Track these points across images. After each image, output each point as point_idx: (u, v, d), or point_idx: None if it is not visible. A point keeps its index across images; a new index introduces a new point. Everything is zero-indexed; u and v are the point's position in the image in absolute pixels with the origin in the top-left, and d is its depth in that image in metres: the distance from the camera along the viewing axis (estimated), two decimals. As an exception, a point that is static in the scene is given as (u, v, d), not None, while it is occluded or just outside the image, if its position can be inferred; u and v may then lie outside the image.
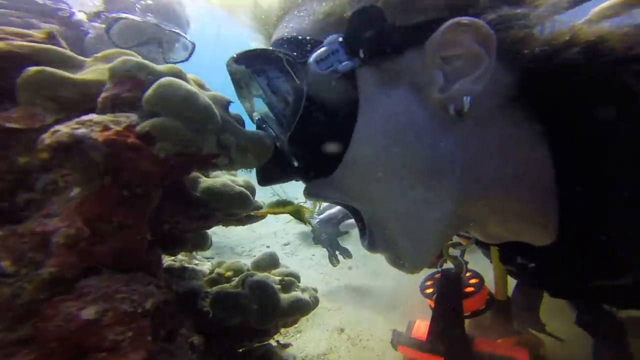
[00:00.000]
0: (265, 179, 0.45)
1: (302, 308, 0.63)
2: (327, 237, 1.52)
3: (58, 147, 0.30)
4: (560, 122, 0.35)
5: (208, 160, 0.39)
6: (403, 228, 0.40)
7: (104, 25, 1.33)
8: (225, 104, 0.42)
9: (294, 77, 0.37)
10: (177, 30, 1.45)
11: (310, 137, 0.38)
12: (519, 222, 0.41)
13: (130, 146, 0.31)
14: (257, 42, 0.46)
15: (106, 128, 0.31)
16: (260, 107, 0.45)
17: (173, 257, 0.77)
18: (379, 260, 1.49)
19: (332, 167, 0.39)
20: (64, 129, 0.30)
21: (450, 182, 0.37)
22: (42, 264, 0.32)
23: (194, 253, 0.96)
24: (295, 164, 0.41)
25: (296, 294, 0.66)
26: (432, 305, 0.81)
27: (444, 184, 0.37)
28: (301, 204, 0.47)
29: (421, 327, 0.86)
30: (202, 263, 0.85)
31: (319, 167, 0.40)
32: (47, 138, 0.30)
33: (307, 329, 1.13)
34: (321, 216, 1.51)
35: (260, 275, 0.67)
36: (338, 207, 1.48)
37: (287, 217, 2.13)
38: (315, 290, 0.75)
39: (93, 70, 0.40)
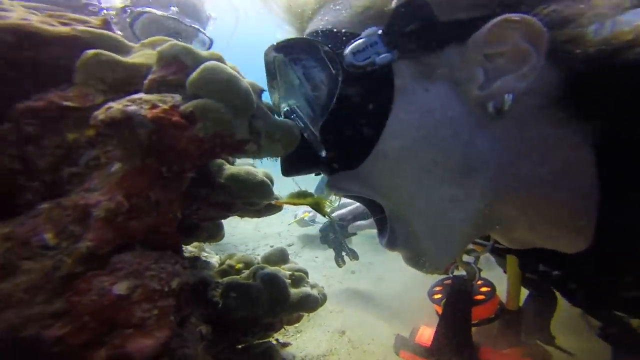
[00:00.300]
0: (290, 169, 0.45)
1: (310, 304, 0.64)
2: (335, 238, 1.52)
3: (110, 122, 0.31)
4: (610, 125, 0.35)
5: (240, 145, 0.40)
6: (427, 225, 0.40)
7: (129, 20, 1.37)
8: (258, 91, 0.43)
9: (330, 67, 0.38)
10: (196, 26, 1.48)
11: (342, 127, 0.39)
12: (551, 226, 0.40)
13: (174, 124, 0.32)
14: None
15: (154, 106, 0.32)
16: (291, 97, 0.46)
17: (184, 248, 0.78)
18: (384, 266, 1.49)
19: (361, 159, 0.39)
20: (116, 105, 0.32)
21: (482, 180, 0.37)
22: (81, 237, 0.33)
23: (203, 246, 0.97)
24: (324, 154, 0.41)
25: (305, 289, 0.66)
26: (439, 311, 0.80)
27: (475, 182, 0.37)
28: (321, 196, 0.47)
29: (425, 333, 0.86)
30: (211, 256, 0.86)
31: (347, 158, 0.41)
32: (100, 114, 0.32)
33: (308, 329, 1.13)
34: (330, 216, 1.51)
35: (271, 268, 0.67)
36: (348, 208, 1.48)
37: (287, 219, 2.12)
38: (323, 288, 0.75)
39: (140, 55, 0.42)
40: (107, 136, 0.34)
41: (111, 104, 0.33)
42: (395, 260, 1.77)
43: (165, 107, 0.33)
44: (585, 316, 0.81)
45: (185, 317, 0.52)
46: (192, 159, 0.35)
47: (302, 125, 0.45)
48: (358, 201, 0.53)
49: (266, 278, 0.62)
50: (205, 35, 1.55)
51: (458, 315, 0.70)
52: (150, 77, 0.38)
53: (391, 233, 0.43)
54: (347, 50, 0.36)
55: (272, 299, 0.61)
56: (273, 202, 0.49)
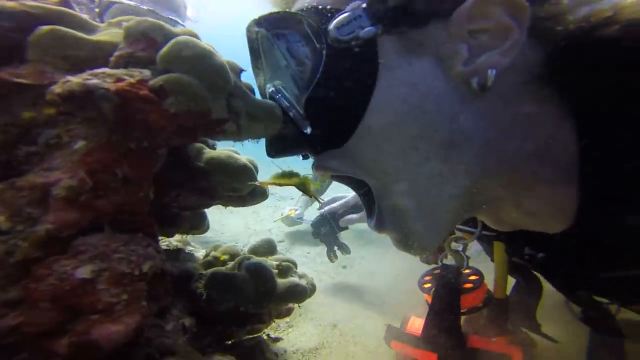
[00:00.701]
0: (275, 149, 0.44)
1: (299, 293, 0.62)
2: (327, 232, 1.51)
3: (68, 96, 0.29)
4: (590, 101, 0.35)
5: (217, 125, 0.38)
6: (415, 203, 0.39)
7: (97, 10, 1.31)
8: (237, 71, 0.41)
9: (314, 41, 0.37)
10: (173, 17, 1.44)
11: (326, 102, 0.38)
12: (536, 203, 0.40)
13: (142, 97, 0.30)
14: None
15: (119, 80, 0.30)
16: (276, 77, 0.45)
17: (167, 241, 0.75)
18: (375, 260, 1.48)
19: (347, 136, 0.38)
20: (75, 79, 0.29)
21: (467, 155, 0.37)
22: (39, 220, 0.30)
23: (188, 240, 0.94)
24: (308, 131, 0.40)
25: (293, 279, 0.65)
26: (429, 300, 0.80)
27: (460, 157, 0.37)
28: (307, 176, 0.46)
29: (416, 323, 0.86)
30: (196, 250, 0.83)
31: (332, 135, 0.40)
32: (57, 88, 0.29)
33: (299, 323, 1.12)
34: (321, 210, 1.50)
35: (257, 259, 0.65)
36: (339, 202, 1.47)
37: (277, 215, 2.08)
38: (312, 279, 0.73)
39: (107, 33, 0.39)
40: (69, 114, 0.32)
41: (69, 77, 0.31)
42: (386, 254, 1.78)
43: (131, 80, 0.31)
44: (569, 303, 0.82)
45: (165, 308, 0.50)
46: (164, 134, 0.32)
47: (287, 104, 0.43)
48: (344, 182, 0.51)
49: (252, 268, 0.60)
50: (183, 26, 1.50)
51: (447, 304, 0.70)
52: (116, 53, 0.36)
53: (379, 214, 0.42)
54: (332, 24, 0.36)
55: (258, 289, 0.59)
56: (256, 183, 0.47)
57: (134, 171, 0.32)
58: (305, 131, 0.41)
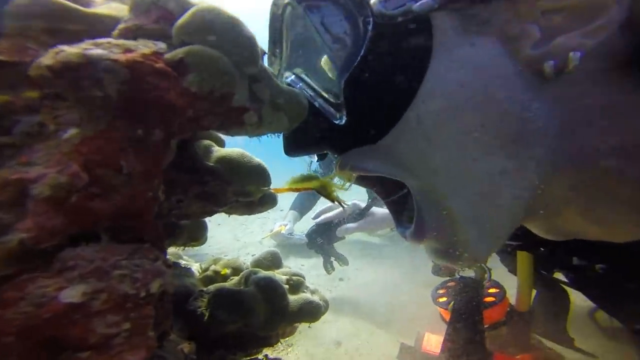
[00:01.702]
0: (297, 146, 0.39)
1: (313, 312, 0.55)
2: (323, 243, 1.44)
3: (62, 69, 0.22)
4: None
5: (237, 114, 0.32)
6: (470, 206, 0.34)
7: None
8: (261, 54, 0.35)
9: (356, 14, 0.33)
10: None
11: (368, 86, 0.33)
12: (613, 208, 0.35)
13: (158, 72, 0.24)
14: None
15: (128, 50, 0.24)
16: (299, 62, 0.40)
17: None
18: (372, 271, 1.43)
19: (387, 128, 0.33)
20: (71, 48, 0.23)
21: (540, 149, 0.32)
22: (12, 227, 0.23)
23: (181, 252, 0.85)
24: (343, 120, 0.35)
25: (306, 295, 0.58)
26: (445, 315, 0.75)
27: (531, 151, 0.33)
28: (328, 179, 0.40)
29: (432, 341, 0.80)
30: (190, 263, 0.75)
31: (370, 127, 0.35)
32: (46, 59, 0.23)
33: (300, 342, 1.03)
34: (316, 220, 1.44)
35: (265, 272, 0.58)
36: (335, 211, 1.41)
37: (267, 228, 1.98)
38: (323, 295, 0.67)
39: (106, 7, 0.33)
40: (56, 97, 0.25)
41: (63, 47, 0.24)
42: (381, 265, 1.73)
43: (144, 51, 0.25)
44: (594, 316, 0.79)
45: (164, 333, 0.42)
46: (182, 119, 0.26)
47: (312, 93, 0.39)
48: (368, 186, 0.46)
49: (262, 283, 0.53)
50: None
51: (469, 320, 0.65)
52: (120, 26, 0.30)
53: (419, 221, 0.37)
54: None
55: (270, 307, 0.52)
56: (271, 189, 0.41)
57: (142, 165, 0.25)
58: (338, 121, 0.35)
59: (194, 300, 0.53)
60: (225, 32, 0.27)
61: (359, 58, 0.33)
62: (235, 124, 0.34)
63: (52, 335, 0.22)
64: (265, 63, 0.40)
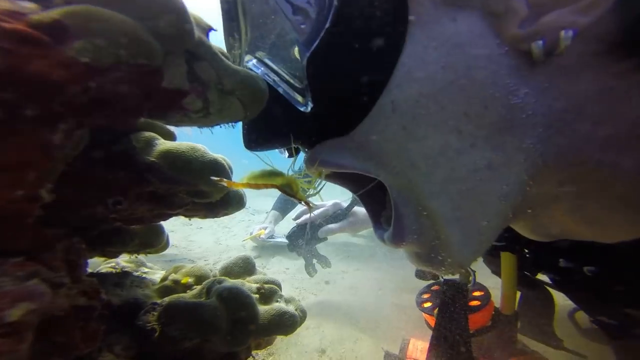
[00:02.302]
0: (256, 139, 0.34)
1: (286, 324, 0.50)
2: (304, 245, 1.38)
3: None
4: None
5: (172, 98, 0.26)
6: (452, 205, 0.30)
7: None
8: (204, 28, 0.30)
9: None
10: None
11: (336, 65, 0.28)
12: (608, 205, 0.31)
13: (8, 33, 0.17)
14: None
15: None
16: (260, 43, 0.35)
17: (112, 263, 0.59)
18: (357, 274, 1.38)
19: (359, 116, 0.29)
20: None
21: (529, 140, 0.28)
22: None
23: (143, 259, 0.77)
24: (308, 107, 0.30)
25: (279, 305, 0.52)
26: (430, 321, 0.71)
27: (520, 142, 0.28)
28: (294, 175, 0.34)
29: (417, 347, 0.76)
30: (153, 272, 0.67)
31: (340, 115, 0.30)
32: None
33: (281, 351, 0.97)
34: (297, 221, 1.38)
35: (231, 281, 0.52)
36: (317, 211, 1.36)
37: (247, 233, 1.91)
38: (300, 303, 0.61)
39: None
40: None
41: None
42: (366, 268, 1.68)
43: None
44: (573, 316, 0.78)
45: (84, 358, 0.35)
46: (68, 97, 0.20)
47: (275, 78, 0.34)
48: (342, 183, 0.41)
49: (225, 294, 0.46)
50: None
51: (454, 325, 0.61)
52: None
53: (397, 222, 0.32)
54: None
55: (233, 321, 0.45)
56: (224, 183, 0.34)
57: (3, 154, 0.18)
58: (303, 108, 0.30)
59: (143, 315, 0.46)
60: None
61: (323, 32, 0.28)
62: (174, 110, 0.28)
63: None
64: (212, 42, 0.34)
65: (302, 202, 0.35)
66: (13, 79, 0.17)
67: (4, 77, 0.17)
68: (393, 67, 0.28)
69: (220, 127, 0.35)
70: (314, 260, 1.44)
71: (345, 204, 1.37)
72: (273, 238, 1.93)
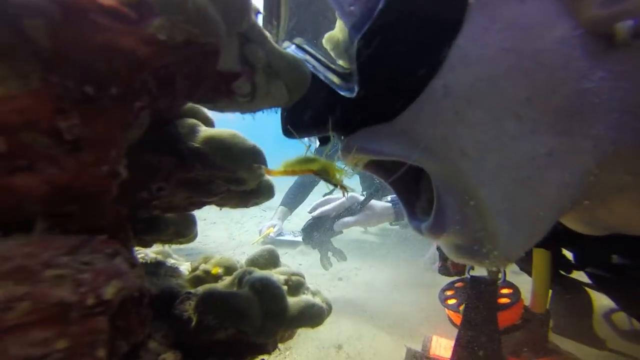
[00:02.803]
0: (298, 125, 0.33)
1: (315, 316, 0.49)
2: (320, 237, 1.38)
3: None
4: None
5: (226, 81, 0.26)
6: (504, 195, 0.28)
7: None
8: (255, 11, 0.29)
9: None
10: None
11: (387, 47, 0.27)
12: None
13: (106, 9, 0.17)
14: None
15: None
16: (299, 30, 0.34)
17: (143, 252, 0.60)
18: (371, 271, 1.37)
19: (408, 100, 0.28)
20: None
21: (600, 125, 0.27)
22: None
23: (170, 251, 0.78)
24: (354, 93, 0.29)
25: (307, 297, 0.52)
26: (454, 319, 0.70)
27: (589, 128, 0.27)
28: (330, 161, 0.34)
29: (441, 345, 0.75)
30: (179, 263, 0.68)
31: (387, 100, 0.29)
32: None
33: (298, 345, 0.98)
34: (313, 213, 1.38)
35: (261, 272, 0.52)
36: (332, 204, 1.35)
37: (256, 235, 1.92)
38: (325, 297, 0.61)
39: None
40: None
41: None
42: (382, 263, 1.68)
43: None
44: (610, 318, 0.75)
45: (139, 344, 0.36)
46: (147, 76, 0.20)
47: (315, 64, 0.33)
48: (378, 173, 0.40)
49: (257, 284, 0.47)
50: None
51: (483, 325, 0.60)
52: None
53: (439, 212, 0.31)
54: None
55: (266, 311, 0.45)
56: (263, 171, 0.34)
57: (92, 131, 0.19)
58: (348, 93, 0.30)
59: (179, 304, 0.46)
60: None
61: (376, 13, 0.27)
62: (223, 93, 0.28)
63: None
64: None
65: (339, 187, 0.35)
66: (107, 56, 0.17)
67: (100, 53, 0.17)
68: (448, 50, 0.26)
69: (262, 112, 0.35)
70: (329, 254, 1.44)
71: (361, 198, 1.36)
72: (282, 235, 1.93)
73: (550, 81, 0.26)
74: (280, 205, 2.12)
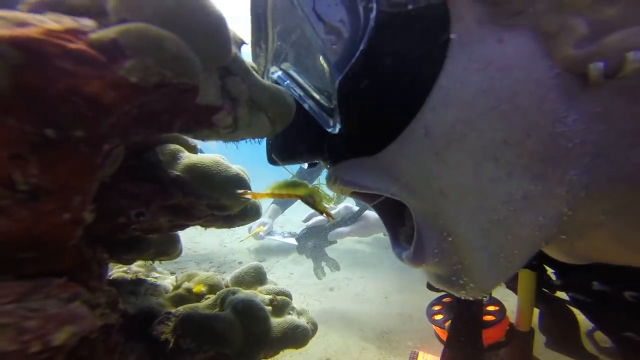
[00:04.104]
0: (281, 153, 0.33)
1: (298, 338, 0.49)
2: (314, 247, 1.38)
3: None
4: None
5: (205, 114, 0.26)
6: (480, 233, 0.28)
7: None
8: (238, 42, 0.29)
9: (356, 1, 0.27)
10: None
11: (368, 87, 0.28)
12: None
13: (72, 54, 0.17)
14: None
15: (22, 24, 0.17)
16: (287, 55, 0.34)
17: (125, 267, 0.59)
18: (362, 282, 1.36)
19: (389, 137, 0.28)
20: None
21: (572, 170, 0.27)
22: None
23: (153, 264, 0.77)
24: (336, 129, 0.29)
25: (292, 318, 0.51)
26: (441, 335, 0.70)
27: (563, 173, 0.27)
28: (317, 187, 0.34)
29: None
30: (164, 277, 0.67)
31: (369, 136, 0.29)
32: None
33: (285, 358, 0.96)
34: (307, 223, 1.38)
35: (245, 292, 0.52)
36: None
37: (246, 234, 1.90)
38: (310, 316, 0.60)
39: None
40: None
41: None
42: (373, 274, 1.67)
43: (52, 26, 0.18)
44: (592, 335, 0.76)
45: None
46: (116, 119, 0.20)
47: (300, 93, 0.33)
48: (365, 199, 0.40)
49: (239, 306, 0.46)
50: None
51: (467, 341, 0.60)
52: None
53: (418, 244, 0.31)
54: None
55: (248, 334, 0.45)
56: (249, 195, 0.34)
57: (52, 178, 0.18)
58: (331, 129, 0.30)
59: (157, 324, 0.46)
60: (183, 7, 0.21)
61: (357, 54, 0.27)
62: (204, 126, 0.28)
63: None
64: (244, 55, 0.34)
65: (324, 214, 0.35)
66: (70, 100, 0.17)
67: (63, 97, 0.17)
68: (429, 89, 0.27)
69: (246, 142, 0.35)
70: (323, 263, 1.44)
71: (355, 208, 1.36)
72: (271, 235, 1.91)
73: (526, 124, 0.26)
74: (272, 203, 2.10)
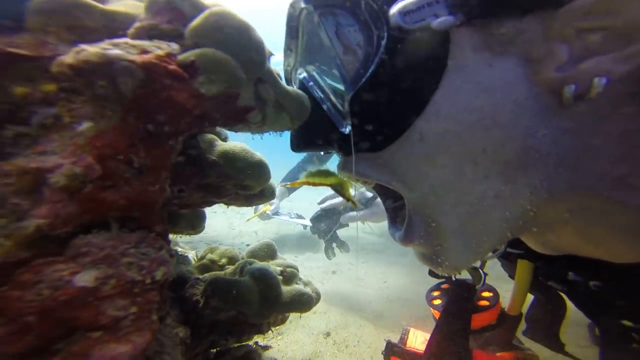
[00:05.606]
0: (301, 143, 0.40)
1: (304, 303, 0.58)
2: (326, 228, 1.46)
3: (83, 67, 0.23)
4: None
5: (241, 113, 0.34)
6: (458, 223, 0.35)
7: None
8: (268, 55, 0.37)
9: (372, 27, 0.32)
10: None
11: (375, 100, 0.34)
12: (612, 232, 0.34)
13: (171, 73, 0.25)
14: None
15: (144, 51, 0.25)
16: (312, 62, 0.40)
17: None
18: (364, 267, 1.44)
19: (390, 140, 0.34)
20: (92, 48, 0.24)
21: (537, 177, 0.33)
22: (28, 213, 0.25)
23: (177, 240, 0.87)
24: (347, 129, 0.36)
25: (299, 287, 0.60)
26: (437, 317, 0.76)
27: (528, 179, 0.33)
28: (344, 177, 0.41)
29: (417, 338, 0.81)
30: (186, 251, 0.77)
31: (373, 138, 0.35)
32: (68, 57, 0.24)
33: (290, 331, 1.07)
34: (322, 205, 1.45)
35: (260, 263, 0.60)
36: (340, 199, 1.43)
37: (255, 221, 1.93)
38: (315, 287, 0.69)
39: (123, 4, 0.34)
40: (72, 91, 0.27)
41: (84, 46, 0.25)
42: (374, 262, 1.77)
43: (159, 52, 0.26)
44: (592, 328, 0.81)
45: (162, 318, 0.44)
46: (190, 118, 0.28)
47: (321, 95, 0.39)
48: (372, 187, 0.48)
49: (256, 274, 0.55)
50: None
51: (457, 323, 0.66)
52: (136, 25, 0.31)
53: (408, 227, 0.39)
54: (395, 8, 0.31)
55: (263, 297, 0.54)
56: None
57: (151, 159, 0.27)
58: (342, 129, 0.37)
59: (190, 288, 0.55)
60: (236, 35, 0.28)
61: (368, 74, 0.33)
62: (240, 121, 0.36)
63: (65, 316, 0.24)
64: (272, 64, 0.41)
65: (349, 200, 0.42)
66: (167, 105, 0.25)
67: (164, 104, 0.25)
68: (426, 103, 0.32)
69: (270, 134, 0.43)
70: (334, 244, 1.52)
71: (369, 194, 1.42)
72: (278, 215, 1.98)
73: (502, 137, 0.31)
74: (279, 185, 2.17)
